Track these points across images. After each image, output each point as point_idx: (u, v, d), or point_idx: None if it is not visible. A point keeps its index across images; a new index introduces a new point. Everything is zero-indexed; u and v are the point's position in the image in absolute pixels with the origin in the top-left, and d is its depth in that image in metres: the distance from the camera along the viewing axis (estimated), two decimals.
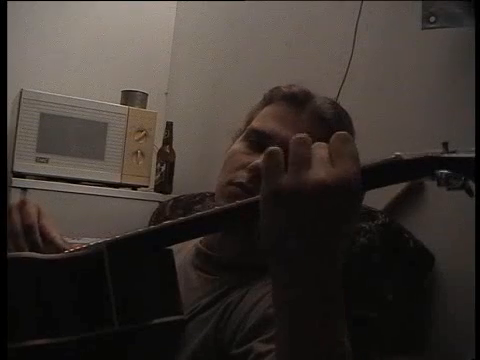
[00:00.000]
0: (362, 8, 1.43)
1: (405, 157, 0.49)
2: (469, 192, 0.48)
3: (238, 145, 0.90)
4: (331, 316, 0.53)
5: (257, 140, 0.88)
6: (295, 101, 0.89)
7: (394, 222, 1.19)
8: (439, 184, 0.48)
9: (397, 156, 0.50)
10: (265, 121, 0.90)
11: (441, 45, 1.25)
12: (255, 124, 0.91)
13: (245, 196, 0.80)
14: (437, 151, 0.48)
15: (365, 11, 1.43)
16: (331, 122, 0.88)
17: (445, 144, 0.48)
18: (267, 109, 0.92)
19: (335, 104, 0.93)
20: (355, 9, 1.44)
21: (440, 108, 1.25)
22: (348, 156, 0.50)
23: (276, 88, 0.94)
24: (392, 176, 0.51)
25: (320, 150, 0.52)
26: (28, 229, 0.73)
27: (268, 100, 0.93)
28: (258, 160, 0.82)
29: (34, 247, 0.71)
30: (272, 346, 0.65)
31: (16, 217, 0.74)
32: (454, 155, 0.48)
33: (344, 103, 1.43)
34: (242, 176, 0.85)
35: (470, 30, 1.10)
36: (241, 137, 0.91)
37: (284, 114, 0.89)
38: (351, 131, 0.93)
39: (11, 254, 0.63)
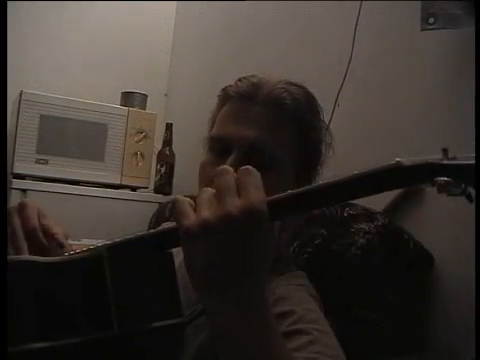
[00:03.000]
0: (362, 8, 1.43)
1: (405, 163, 0.49)
2: (469, 198, 0.48)
3: (205, 156, 0.90)
4: (258, 343, 0.54)
5: (220, 147, 0.87)
6: (245, 96, 0.87)
7: (393, 223, 1.19)
8: (439, 191, 0.48)
9: (397, 162, 0.49)
10: (222, 125, 0.89)
11: (440, 46, 1.25)
12: (214, 131, 0.90)
13: None
14: (437, 157, 0.48)
15: (365, 11, 1.43)
16: (287, 106, 0.86)
17: (445, 150, 0.48)
18: (223, 112, 0.90)
19: (288, 85, 0.89)
20: (355, 9, 1.44)
21: (440, 109, 1.25)
22: (250, 186, 0.53)
23: (225, 88, 0.92)
24: (392, 182, 0.51)
25: (226, 183, 0.54)
26: (30, 232, 0.72)
27: (222, 101, 0.91)
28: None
29: (36, 250, 0.70)
30: None
31: (16, 220, 0.72)
32: (454, 162, 0.47)
33: (343, 103, 1.45)
34: None
35: (469, 31, 1.10)
36: (206, 146, 0.91)
37: (238, 113, 0.87)
38: (312, 109, 0.91)
39: (10, 257, 0.62)
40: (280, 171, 0.85)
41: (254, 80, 0.89)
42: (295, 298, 0.80)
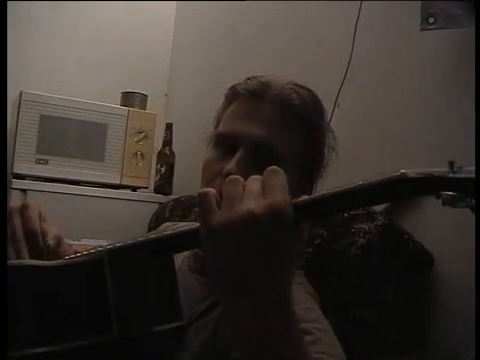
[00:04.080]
0: (362, 8, 1.42)
1: (410, 175, 0.48)
2: (473, 210, 0.47)
3: (210, 153, 0.90)
4: (276, 345, 0.53)
5: (226, 144, 0.87)
6: (254, 95, 0.87)
7: (393, 223, 1.19)
8: (444, 204, 0.47)
9: (402, 173, 0.49)
10: (230, 123, 0.89)
11: (440, 46, 1.24)
12: (221, 128, 0.90)
13: None
14: (442, 170, 0.47)
15: (365, 11, 1.43)
16: (296, 107, 0.87)
17: (451, 163, 0.47)
18: (230, 109, 0.90)
19: (296, 86, 0.90)
20: (355, 9, 1.43)
21: (440, 109, 1.24)
22: (276, 187, 0.52)
23: (234, 86, 0.92)
24: (396, 193, 0.50)
25: (253, 183, 0.53)
26: (30, 234, 0.72)
27: (230, 99, 0.92)
28: (229, 166, 0.82)
29: (36, 253, 0.70)
30: None
31: (17, 221, 0.72)
32: (459, 175, 0.47)
33: (343, 103, 1.45)
34: (220, 184, 0.84)
35: (469, 31, 1.10)
36: (211, 144, 0.91)
37: (246, 111, 0.87)
38: (319, 111, 0.92)
39: (11, 261, 0.62)
40: (285, 171, 0.85)
41: (263, 80, 0.89)
42: (294, 297, 0.80)
